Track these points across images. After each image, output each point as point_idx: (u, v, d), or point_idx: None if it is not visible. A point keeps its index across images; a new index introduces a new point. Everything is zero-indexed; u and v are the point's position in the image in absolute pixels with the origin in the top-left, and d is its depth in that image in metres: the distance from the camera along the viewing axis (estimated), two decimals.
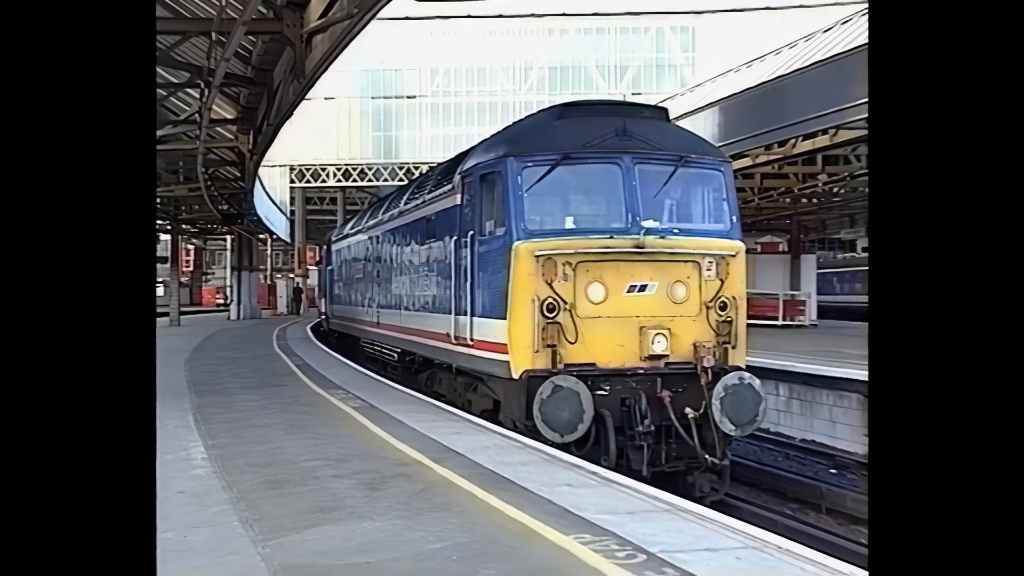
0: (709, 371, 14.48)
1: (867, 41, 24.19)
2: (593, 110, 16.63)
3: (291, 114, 27.17)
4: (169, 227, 56.63)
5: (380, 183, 69.58)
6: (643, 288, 14.46)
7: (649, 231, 14.39)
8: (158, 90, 30.60)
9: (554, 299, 14.15)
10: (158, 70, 27.88)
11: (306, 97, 25.45)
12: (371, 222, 28.28)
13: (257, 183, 47.55)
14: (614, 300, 14.47)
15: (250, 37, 23.55)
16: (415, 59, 76.48)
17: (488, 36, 76.39)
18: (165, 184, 43.93)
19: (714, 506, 11.50)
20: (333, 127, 74.98)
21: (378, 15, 20.57)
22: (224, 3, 18.69)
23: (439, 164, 22.33)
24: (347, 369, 24.91)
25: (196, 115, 27.90)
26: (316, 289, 54.37)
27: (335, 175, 74.98)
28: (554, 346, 14.14)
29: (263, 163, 41.18)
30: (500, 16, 75.98)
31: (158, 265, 79.00)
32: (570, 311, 14.23)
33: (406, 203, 22.85)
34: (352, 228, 33.06)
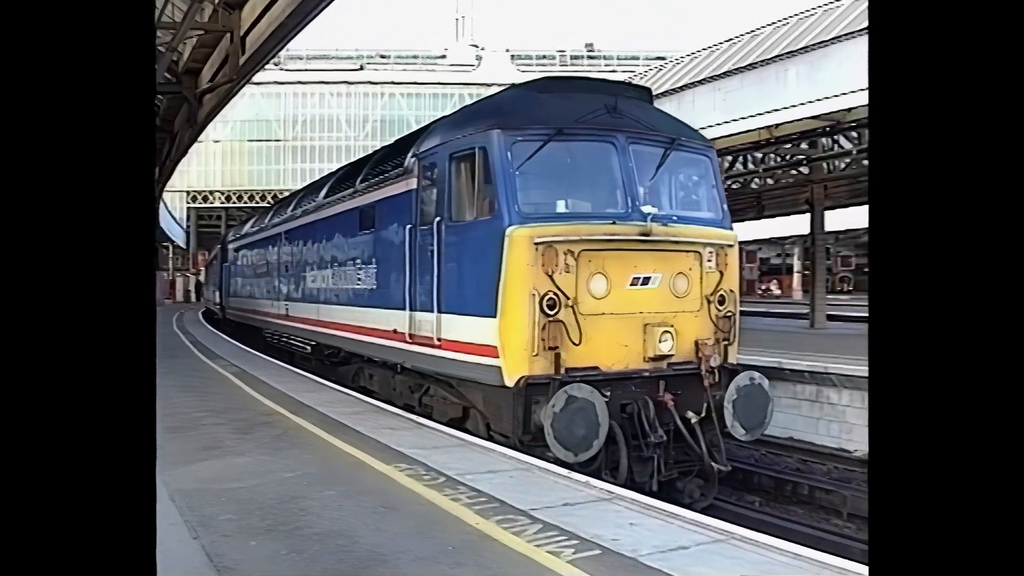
0: (716, 371, 10.09)
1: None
2: (578, 85, 11.43)
3: (187, 152, 26.79)
4: None
5: (254, 204, 68.38)
6: (646, 281, 9.90)
7: (654, 218, 9.84)
8: None
9: (555, 294, 9.25)
10: None
11: (198, 140, 25.09)
12: (277, 219, 22.23)
13: (161, 204, 46.49)
14: (617, 294, 9.70)
15: (159, 96, 23.09)
16: (281, 112, 75.49)
17: (336, 96, 75.48)
18: None
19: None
20: (219, 163, 73.44)
21: (253, 80, 20.34)
22: None
23: (374, 152, 16.32)
24: (227, 344, 23.09)
25: None
26: (206, 284, 52.38)
27: (220, 198, 73.75)
28: (556, 348, 9.25)
29: (166, 189, 40.32)
30: (345, 82, 75.55)
31: None
32: (572, 307, 9.35)
33: (326, 197, 16.83)
34: (253, 227, 26.65)
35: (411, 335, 11.34)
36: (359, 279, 14.03)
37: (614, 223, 9.69)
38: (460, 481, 7.12)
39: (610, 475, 9.22)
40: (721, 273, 10.38)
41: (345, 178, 16.11)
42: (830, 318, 30.69)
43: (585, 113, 10.10)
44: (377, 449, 8.51)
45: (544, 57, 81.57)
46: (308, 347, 18.35)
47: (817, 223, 29.65)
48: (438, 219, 10.56)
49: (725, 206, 11.02)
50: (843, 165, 27.27)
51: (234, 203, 72.35)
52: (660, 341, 9.81)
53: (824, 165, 27.19)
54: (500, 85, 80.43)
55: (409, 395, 12.46)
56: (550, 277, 9.24)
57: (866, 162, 25.98)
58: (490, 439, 9.78)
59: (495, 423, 10.03)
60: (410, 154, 11.84)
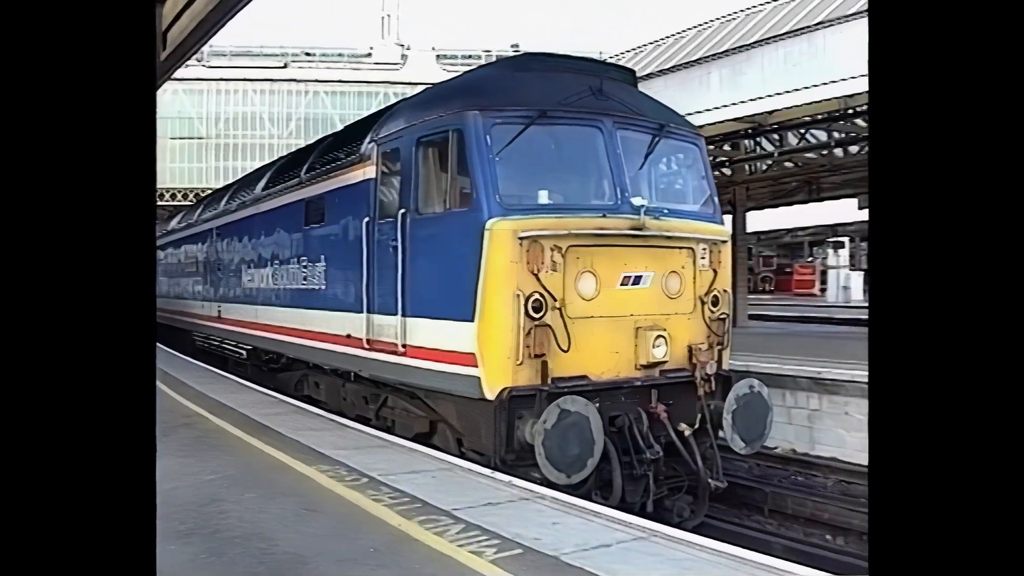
0: (712, 379, 9.05)
1: None
2: (560, 64, 9.89)
3: None
4: None
5: (176, 202, 67.61)
6: (637, 280, 8.77)
7: (648, 210, 8.70)
8: None
9: (541, 295, 8.07)
10: None
11: None
12: (207, 215, 20.34)
13: None
14: (606, 295, 8.55)
15: None
16: (204, 109, 74.47)
17: (259, 94, 74.51)
18: None
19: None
20: None
21: (175, 76, 19.99)
22: None
23: (320, 140, 14.77)
24: None
25: None
26: None
27: None
28: (543, 355, 8.08)
29: None
30: (269, 80, 74.73)
31: None
32: (560, 310, 8.17)
33: (265, 189, 15.15)
34: (180, 223, 24.65)
35: (369, 340, 10.01)
36: (305, 278, 12.61)
37: (604, 216, 8.59)
38: (382, 482, 7.04)
39: (600, 496, 8.20)
40: (715, 272, 9.40)
41: (287, 168, 14.63)
42: (752, 317, 31.06)
43: (569, 95, 8.95)
44: (298, 450, 8.35)
45: (470, 57, 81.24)
46: (243, 352, 16.71)
47: (739, 224, 29.99)
48: (403, 211, 9.27)
49: (716, 199, 10.03)
50: (764, 167, 27.61)
51: (156, 201, 71.46)
52: (653, 346, 8.77)
53: (746, 167, 27.50)
54: (425, 84, 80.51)
55: (363, 406, 11.11)
56: (535, 276, 8.10)
57: (788, 164, 26.46)
58: (462, 456, 8.67)
59: (471, 440, 8.73)
60: (367, 139, 10.43)
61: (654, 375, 8.86)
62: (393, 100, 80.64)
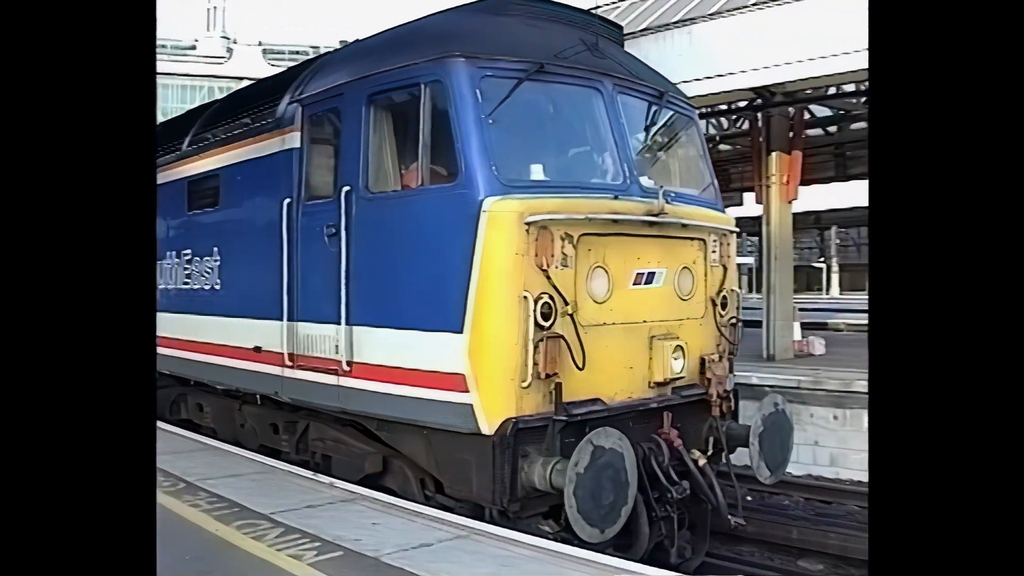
0: (731, 396, 7.43)
1: None
2: (547, 11, 7.70)
3: None
4: None
5: None
6: (651, 278, 6.95)
7: (666, 192, 6.89)
8: None
9: (551, 297, 6.12)
10: None
11: None
12: None
13: None
14: (619, 296, 6.69)
15: None
16: None
17: None
18: None
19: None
20: None
21: None
22: None
23: (204, 106, 12.13)
24: None
25: None
26: None
27: None
28: (555, 375, 6.11)
29: None
30: None
31: None
32: (571, 316, 6.25)
33: None
34: None
35: (292, 355, 7.66)
36: (188, 276, 9.88)
37: (616, 197, 6.68)
38: (200, 487, 6.91)
39: (613, 548, 6.38)
40: (724, 268, 7.71)
41: (159, 141, 11.16)
42: None
43: (562, 47, 6.95)
44: None
45: (297, 52, 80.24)
46: None
47: None
48: (346, 189, 6.99)
49: (716, 182, 8.26)
50: None
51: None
52: (672, 359, 6.99)
53: None
54: (251, 79, 78.83)
55: (271, 435, 8.72)
56: (544, 273, 6.13)
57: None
58: (426, 500, 6.78)
59: (454, 484, 6.57)
60: (286, 100, 8.04)
61: (666, 393, 7.06)
62: (218, 95, 79.41)
